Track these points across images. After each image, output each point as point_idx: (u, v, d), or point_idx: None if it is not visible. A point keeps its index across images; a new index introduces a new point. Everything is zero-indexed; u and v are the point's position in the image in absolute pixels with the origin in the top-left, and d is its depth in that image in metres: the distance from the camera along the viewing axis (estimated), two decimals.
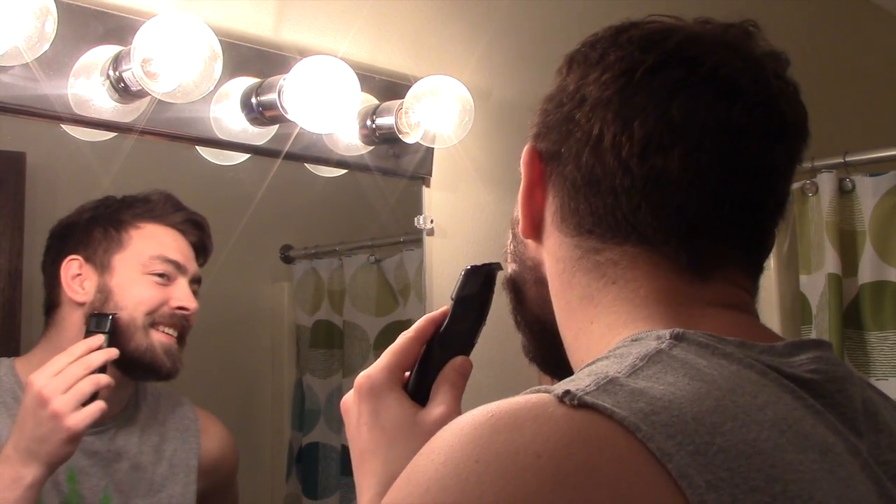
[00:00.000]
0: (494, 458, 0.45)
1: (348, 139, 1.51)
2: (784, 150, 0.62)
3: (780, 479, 0.46)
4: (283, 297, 1.59)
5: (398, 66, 1.61)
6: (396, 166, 1.60)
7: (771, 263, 0.66)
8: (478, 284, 0.71)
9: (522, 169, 0.67)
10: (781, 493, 0.45)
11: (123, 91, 1.21)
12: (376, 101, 1.53)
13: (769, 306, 2.11)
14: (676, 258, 0.60)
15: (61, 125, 1.21)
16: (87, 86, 1.20)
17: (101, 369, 1.10)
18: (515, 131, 1.76)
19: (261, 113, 1.36)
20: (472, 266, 0.71)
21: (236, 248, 1.37)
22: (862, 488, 0.50)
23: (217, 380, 1.44)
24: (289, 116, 1.33)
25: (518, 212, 0.68)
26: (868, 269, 2.01)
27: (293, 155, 1.44)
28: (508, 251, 0.73)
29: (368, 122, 1.51)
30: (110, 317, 1.17)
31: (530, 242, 0.69)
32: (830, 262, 2.00)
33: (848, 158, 2.03)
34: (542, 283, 0.68)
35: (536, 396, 0.48)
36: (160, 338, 1.23)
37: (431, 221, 1.66)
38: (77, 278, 1.20)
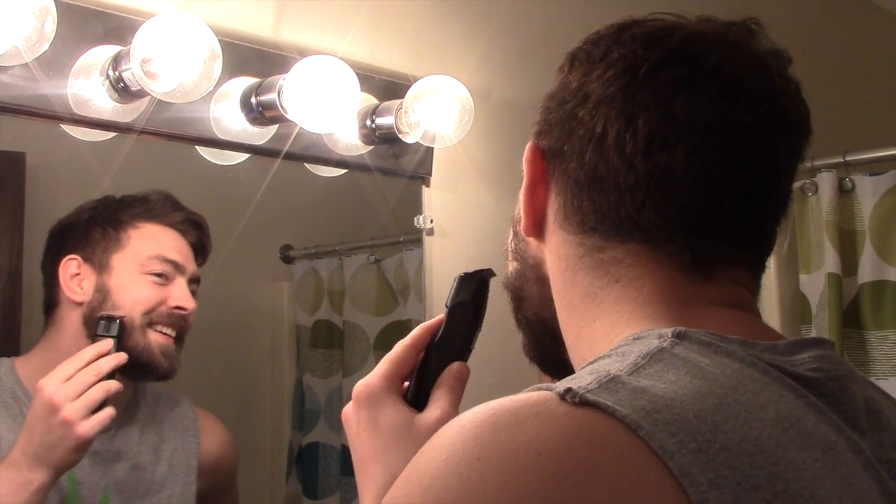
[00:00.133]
0: (496, 456, 0.45)
1: (348, 139, 1.51)
2: (787, 147, 0.62)
3: (782, 476, 0.46)
4: (283, 297, 1.59)
5: (398, 66, 1.61)
6: (396, 166, 1.60)
7: (771, 263, 0.66)
8: (471, 291, 0.71)
9: (525, 166, 0.67)
10: (783, 490, 0.45)
11: (123, 91, 1.21)
12: (376, 101, 1.53)
13: (769, 306, 2.11)
14: (680, 256, 0.60)
15: (61, 125, 1.21)
16: (86, 86, 1.20)
17: (110, 375, 1.09)
18: (515, 131, 1.77)
19: (260, 113, 1.36)
20: (464, 273, 0.72)
21: (236, 248, 1.37)
22: (864, 486, 0.50)
23: (217, 380, 1.44)
24: (288, 116, 1.33)
25: (520, 210, 0.68)
26: (868, 269, 2.01)
27: (293, 155, 1.44)
28: (509, 249, 0.73)
29: (368, 122, 1.51)
30: (119, 320, 1.16)
31: (532, 240, 0.69)
32: (830, 261, 2.00)
33: (848, 158, 2.03)
34: (543, 281, 0.68)
35: (538, 394, 0.48)
36: (157, 338, 1.23)
37: (431, 221, 1.66)
38: (75, 278, 1.20)
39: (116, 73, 1.20)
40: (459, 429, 0.47)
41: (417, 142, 1.53)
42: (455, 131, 1.54)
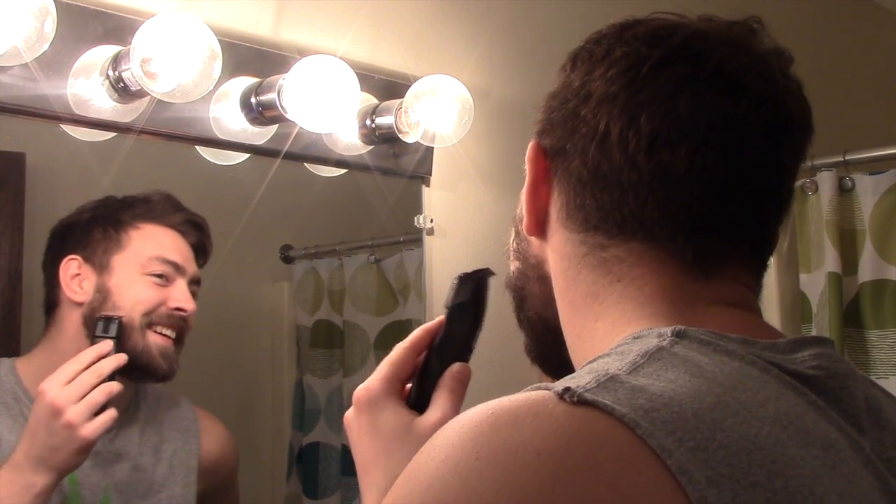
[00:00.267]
0: (495, 456, 0.45)
1: (348, 139, 1.51)
2: (790, 146, 0.62)
3: (781, 474, 0.46)
4: (283, 297, 1.59)
5: (398, 66, 1.60)
6: (396, 166, 1.60)
7: (771, 262, 0.66)
8: (470, 291, 0.70)
9: (527, 165, 0.67)
10: (783, 488, 0.45)
11: (123, 91, 1.21)
12: (376, 101, 1.53)
13: (769, 305, 2.11)
14: (682, 255, 0.60)
15: (61, 125, 1.21)
16: (86, 86, 1.20)
17: (111, 376, 1.09)
18: (515, 130, 1.77)
19: (260, 113, 1.36)
20: (463, 273, 0.71)
21: (236, 248, 1.37)
22: (864, 484, 0.50)
23: (217, 380, 1.44)
24: (288, 116, 1.33)
25: (522, 209, 0.68)
26: (868, 268, 2.02)
27: (293, 155, 1.44)
28: (511, 249, 0.73)
29: (368, 122, 1.51)
30: (118, 320, 1.16)
31: (534, 240, 0.69)
32: (830, 260, 2.00)
33: (848, 157, 2.04)
34: (544, 280, 0.68)
35: (536, 394, 0.48)
36: (156, 340, 1.23)
37: (431, 221, 1.66)
38: (76, 278, 1.20)
39: (116, 73, 1.20)
40: (458, 429, 0.47)
41: (417, 141, 1.53)
42: (455, 131, 1.54)
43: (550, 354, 0.71)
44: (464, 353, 0.71)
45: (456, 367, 0.69)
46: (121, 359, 1.11)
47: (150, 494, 1.25)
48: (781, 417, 0.49)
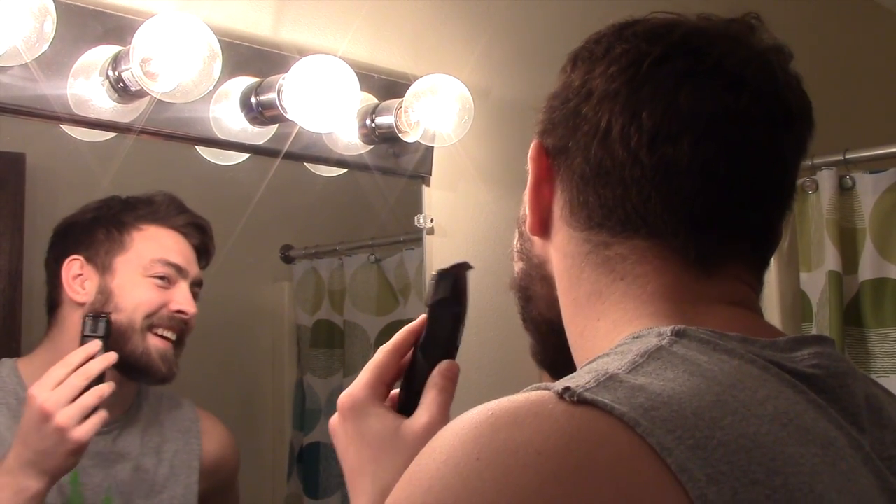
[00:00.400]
0: (495, 456, 0.45)
1: (348, 138, 1.51)
2: (791, 139, 0.62)
3: (780, 472, 0.46)
4: (283, 297, 1.59)
5: (397, 65, 1.60)
6: (396, 165, 1.60)
7: (771, 261, 0.67)
8: (450, 287, 0.69)
9: (529, 165, 0.67)
10: (782, 486, 0.45)
11: (123, 91, 1.21)
12: (376, 100, 1.53)
13: (770, 304, 2.11)
14: (685, 252, 0.60)
15: (61, 125, 1.21)
16: (86, 86, 1.20)
17: (101, 376, 1.09)
18: (515, 130, 1.77)
19: (260, 112, 1.36)
20: (441, 269, 0.70)
21: (236, 248, 1.37)
22: (864, 482, 0.50)
23: (218, 380, 1.44)
24: (288, 116, 1.33)
25: (525, 209, 0.68)
26: (868, 267, 2.02)
27: (293, 154, 1.44)
28: (515, 250, 0.73)
29: (368, 122, 1.51)
30: (105, 319, 1.15)
31: (536, 239, 0.68)
32: (831, 259, 2.00)
33: (848, 156, 2.04)
34: (547, 280, 0.68)
35: (536, 394, 0.48)
36: (156, 343, 1.23)
37: (431, 220, 1.66)
38: (78, 278, 1.20)
39: (116, 74, 1.20)
40: (458, 430, 0.47)
41: (417, 141, 1.53)
42: (455, 130, 1.54)
43: (556, 356, 0.70)
44: (450, 350, 0.70)
45: (444, 364, 0.69)
46: (110, 358, 1.11)
47: (151, 495, 1.25)
48: (781, 415, 0.49)
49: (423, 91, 1.51)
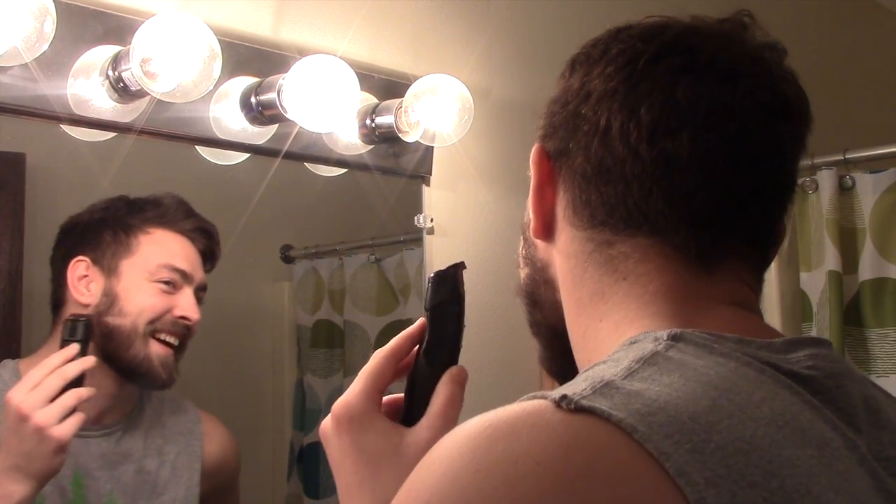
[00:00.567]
0: (494, 467, 0.44)
1: (348, 138, 1.51)
2: (789, 131, 0.62)
3: (777, 474, 0.46)
4: (283, 297, 1.59)
5: (397, 65, 1.60)
6: (396, 165, 1.60)
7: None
8: (448, 289, 0.69)
9: (532, 168, 0.67)
10: (780, 487, 0.45)
11: (123, 91, 1.21)
12: (376, 100, 1.53)
13: (770, 304, 2.11)
14: (686, 249, 0.60)
15: (61, 125, 1.21)
16: (86, 86, 1.20)
17: (80, 380, 1.08)
18: (515, 130, 1.77)
19: (260, 112, 1.36)
20: (438, 271, 0.69)
21: (236, 248, 1.37)
22: (860, 483, 0.50)
23: (218, 380, 1.44)
24: (288, 116, 1.33)
25: (528, 215, 0.68)
26: (868, 266, 2.02)
27: (293, 154, 1.44)
28: (520, 256, 0.73)
29: (368, 121, 1.51)
30: (84, 322, 1.13)
31: (539, 243, 0.69)
32: (831, 259, 2.00)
33: (848, 155, 2.04)
34: (550, 284, 0.68)
35: (532, 403, 0.48)
36: (157, 349, 1.23)
37: (431, 220, 1.66)
38: (83, 279, 1.20)
39: (116, 73, 1.20)
40: (456, 442, 0.47)
41: (417, 141, 1.53)
42: (455, 130, 1.54)
43: (563, 362, 0.70)
44: (454, 353, 0.69)
45: (455, 369, 0.68)
46: (88, 362, 1.10)
47: (153, 496, 1.25)
48: (777, 418, 0.49)
49: (423, 91, 1.51)
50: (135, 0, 1.28)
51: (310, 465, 1.56)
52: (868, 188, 2.03)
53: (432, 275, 0.69)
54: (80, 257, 1.21)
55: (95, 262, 1.21)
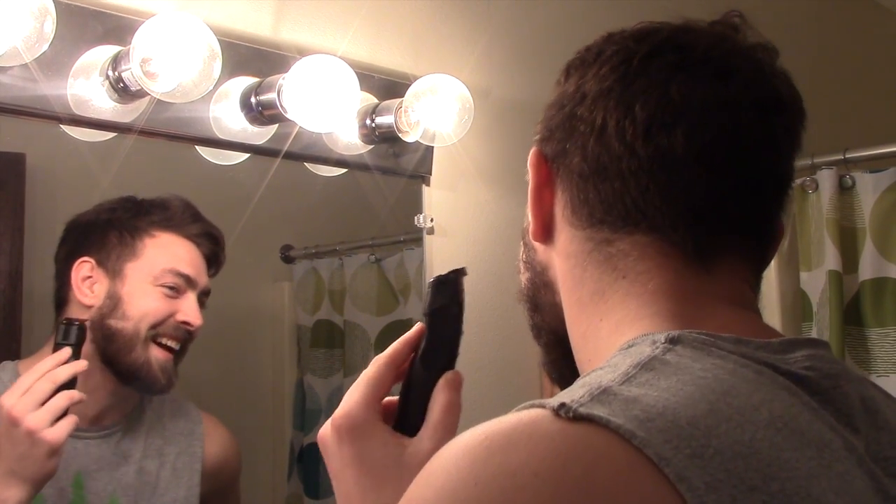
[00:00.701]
0: (492, 480, 0.44)
1: (348, 138, 1.51)
2: (782, 125, 0.63)
3: (777, 477, 0.46)
4: (283, 297, 1.59)
5: (397, 65, 1.60)
6: (396, 165, 1.60)
7: (771, 260, 0.67)
8: (447, 294, 0.68)
9: (530, 171, 0.67)
10: (779, 491, 0.45)
11: (123, 91, 1.21)
12: (376, 100, 1.53)
13: (770, 303, 2.11)
14: (683, 246, 0.61)
15: (61, 126, 1.21)
16: (86, 86, 1.20)
17: (73, 383, 1.07)
18: (515, 129, 1.77)
19: (260, 112, 1.36)
20: (438, 277, 0.69)
21: (236, 249, 1.37)
22: (859, 484, 0.50)
23: (218, 380, 1.44)
24: (288, 116, 1.33)
25: (528, 219, 0.68)
26: (868, 266, 2.01)
27: (293, 154, 1.44)
28: (521, 261, 0.73)
29: (368, 121, 1.51)
30: (77, 326, 1.13)
31: (538, 246, 0.69)
32: (831, 258, 2.00)
33: (848, 155, 2.03)
34: (549, 287, 0.69)
35: (529, 414, 0.48)
36: (157, 354, 1.23)
37: (431, 220, 1.66)
38: (87, 281, 1.20)
39: (116, 74, 1.19)
40: (453, 455, 0.47)
41: (417, 141, 1.53)
42: (455, 130, 1.54)
43: (562, 366, 0.70)
44: (451, 359, 0.68)
45: (451, 374, 0.67)
46: (79, 366, 1.09)
47: (154, 497, 1.25)
48: (776, 420, 0.49)
49: (423, 91, 1.51)
50: (135, 0, 1.28)
51: (310, 465, 1.56)
52: (868, 188, 2.03)
53: (432, 279, 0.69)
54: (85, 258, 1.21)
55: (100, 263, 1.21)
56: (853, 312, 2.03)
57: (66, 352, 1.10)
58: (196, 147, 1.37)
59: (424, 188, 1.66)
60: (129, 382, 1.23)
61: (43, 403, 1.04)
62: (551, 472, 0.44)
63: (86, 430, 1.18)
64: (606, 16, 1.89)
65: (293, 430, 1.56)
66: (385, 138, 1.53)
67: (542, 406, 0.47)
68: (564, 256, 0.66)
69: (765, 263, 0.65)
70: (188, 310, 1.25)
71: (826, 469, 0.49)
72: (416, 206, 1.65)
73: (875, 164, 2.05)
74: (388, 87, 1.56)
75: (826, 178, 2.05)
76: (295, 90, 1.32)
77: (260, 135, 1.40)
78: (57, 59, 1.17)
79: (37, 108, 1.17)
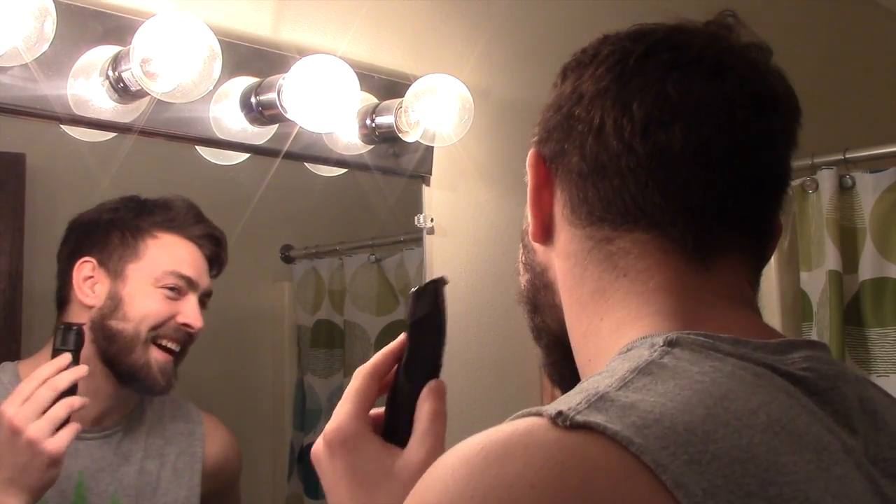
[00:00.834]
0: (489, 492, 0.44)
1: (348, 138, 1.51)
2: (778, 122, 0.63)
3: (775, 482, 0.46)
4: (283, 297, 1.59)
5: (397, 65, 1.60)
6: (396, 165, 1.60)
7: (771, 260, 0.68)
8: (428, 304, 0.68)
9: (528, 172, 0.67)
10: (777, 496, 0.45)
11: (123, 91, 1.21)
12: (376, 100, 1.53)
13: (770, 303, 2.11)
14: (683, 243, 0.61)
15: (61, 126, 1.21)
16: (86, 86, 1.20)
17: (73, 388, 1.07)
18: (515, 129, 1.77)
19: (260, 112, 1.36)
20: (418, 287, 0.69)
21: (236, 249, 1.37)
22: (858, 486, 0.50)
23: (218, 380, 1.44)
24: (288, 116, 1.33)
25: (527, 220, 0.69)
26: (868, 266, 2.01)
27: (293, 154, 1.44)
28: (521, 263, 0.73)
29: (368, 121, 1.51)
30: (76, 331, 1.12)
31: (538, 247, 0.69)
32: (831, 258, 2.00)
33: (848, 155, 2.03)
34: (549, 288, 0.69)
35: (525, 423, 0.47)
36: (157, 355, 1.23)
37: (431, 220, 1.66)
38: (89, 281, 1.20)
39: (116, 74, 1.19)
40: (450, 467, 0.47)
41: (417, 141, 1.53)
42: (455, 130, 1.54)
43: (562, 368, 0.70)
44: (435, 369, 0.69)
45: (434, 384, 0.68)
46: (80, 371, 1.09)
47: (154, 498, 1.25)
48: (774, 423, 0.49)
49: (423, 91, 1.51)
50: (135, 0, 1.28)
51: (310, 465, 1.56)
52: (868, 188, 2.03)
53: (414, 290, 0.69)
54: (87, 258, 1.21)
55: (102, 263, 1.21)
56: (853, 312, 2.03)
57: (66, 357, 1.09)
58: (196, 147, 1.37)
59: (424, 188, 1.66)
60: (128, 384, 1.23)
61: (44, 412, 1.04)
62: (548, 482, 0.44)
63: (86, 431, 1.18)
64: (606, 16, 1.89)
65: (293, 430, 1.56)
66: (385, 138, 1.53)
67: (540, 414, 0.47)
68: (564, 256, 0.66)
69: (764, 261, 0.65)
70: (189, 312, 1.25)
71: (824, 472, 0.49)
72: (416, 206, 1.65)
73: (875, 164, 2.05)
74: (388, 87, 1.56)
75: (826, 178, 2.05)
76: (295, 90, 1.32)
77: (260, 135, 1.40)
78: (57, 60, 1.17)
79: (37, 108, 1.17)
